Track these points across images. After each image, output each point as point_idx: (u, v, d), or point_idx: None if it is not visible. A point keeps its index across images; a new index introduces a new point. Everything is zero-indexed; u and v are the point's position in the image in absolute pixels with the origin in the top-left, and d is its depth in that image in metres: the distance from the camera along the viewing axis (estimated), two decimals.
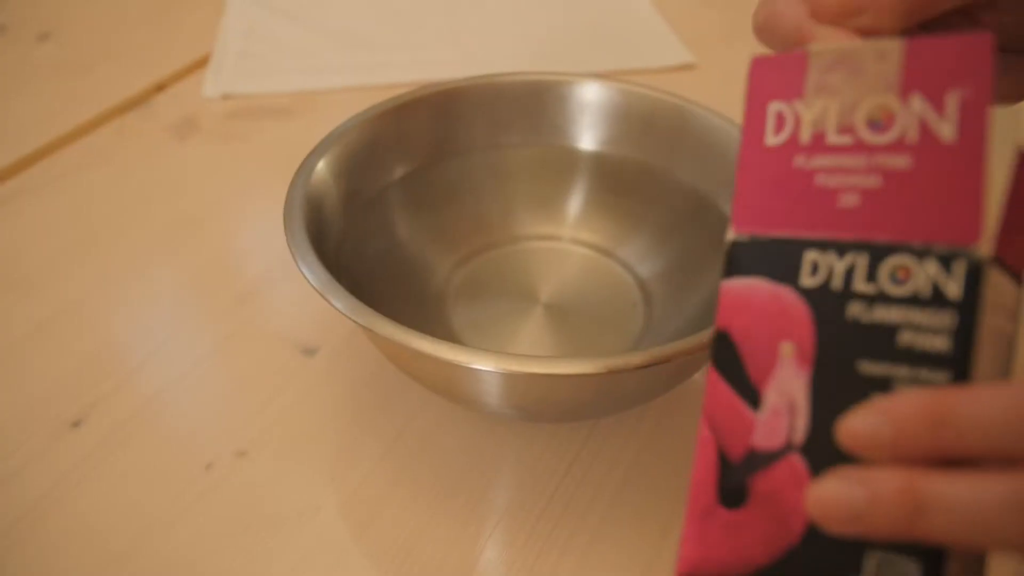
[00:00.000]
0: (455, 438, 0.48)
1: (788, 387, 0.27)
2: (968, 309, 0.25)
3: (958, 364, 0.24)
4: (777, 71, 0.29)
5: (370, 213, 0.53)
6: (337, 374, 0.52)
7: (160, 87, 0.82)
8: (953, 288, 0.25)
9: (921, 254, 0.25)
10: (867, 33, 0.29)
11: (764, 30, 0.31)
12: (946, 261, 0.25)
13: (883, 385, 0.25)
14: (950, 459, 0.23)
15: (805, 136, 0.28)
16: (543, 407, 0.45)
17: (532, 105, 0.58)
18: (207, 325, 0.56)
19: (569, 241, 0.58)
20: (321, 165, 0.49)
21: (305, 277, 0.42)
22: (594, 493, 0.46)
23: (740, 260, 0.29)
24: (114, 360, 0.53)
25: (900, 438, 0.23)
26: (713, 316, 0.30)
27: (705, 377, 0.30)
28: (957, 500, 0.22)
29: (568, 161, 0.58)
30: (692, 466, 0.29)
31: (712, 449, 0.29)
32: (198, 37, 0.90)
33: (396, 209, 0.55)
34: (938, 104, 0.25)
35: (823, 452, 0.26)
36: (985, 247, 0.24)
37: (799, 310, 0.28)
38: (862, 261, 0.27)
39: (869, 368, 0.26)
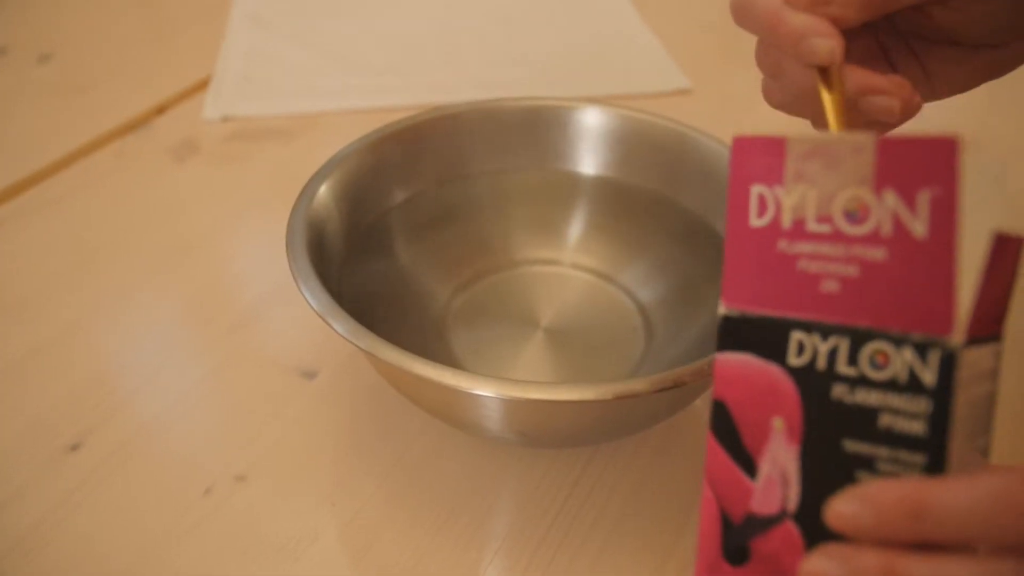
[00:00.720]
0: (455, 463, 0.48)
1: (780, 459, 0.29)
2: (942, 396, 0.26)
3: (934, 447, 0.26)
4: (758, 154, 0.30)
5: (371, 237, 0.53)
6: (337, 398, 0.52)
7: (160, 109, 0.82)
8: (928, 376, 0.26)
9: (899, 341, 0.27)
10: (834, 21, 0.32)
11: (740, 10, 0.33)
12: (921, 350, 0.26)
13: (867, 463, 0.27)
14: (927, 543, 0.24)
15: (787, 221, 0.29)
16: (543, 433, 0.45)
17: (533, 130, 0.58)
18: (206, 348, 0.56)
19: (569, 266, 0.58)
20: (323, 189, 0.50)
21: (307, 301, 0.42)
22: (595, 519, 0.45)
23: (731, 335, 0.31)
24: (112, 383, 0.53)
25: (881, 524, 0.25)
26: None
27: (706, 438, 0.31)
28: None
29: (569, 186, 0.58)
30: (699, 521, 0.31)
31: (715, 509, 0.31)
32: (198, 59, 0.90)
33: (397, 233, 0.55)
34: (910, 201, 0.26)
35: (815, 521, 0.28)
36: (957, 337, 0.26)
37: (787, 388, 0.29)
38: (844, 345, 0.28)
39: (853, 447, 0.27)
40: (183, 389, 0.53)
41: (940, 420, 0.26)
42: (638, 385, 0.38)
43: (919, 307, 0.26)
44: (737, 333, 0.31)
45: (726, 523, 0.31)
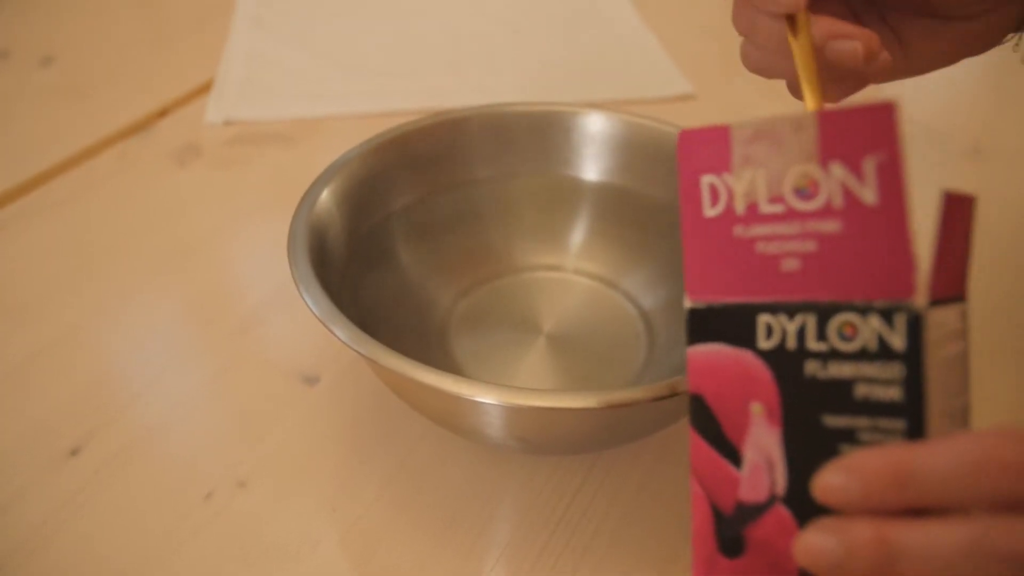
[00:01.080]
0: (457, 470, 0.48)
1: (763, 444, 0.29)
2: (914, 358, 0.26)
3: (912, 411, 0.26)
4: (703, 145, 0.30)
5: (373, 242, 0.53)
6: (338, 403, 0.52)
7: (162, 113, 0.82)
8: (897, 341, 0.26)
9: (864, 311, 0.27)
10: None
11: None
12: (887, 316, 0.26)
13: (848, 436, 0.27)
14: (917, 508, 0.24)
15: (740, 207, 0.29)
16: (545, 440, 0.44)
17: (536, 135, 0.58)
18: (207, 352, 0.55)
19: (572, 272, 0.58)
20: (325, 194, 0.49)
21: (309, 307, 0.42)
22: (597, 526, 0.45)
23: (699, 327, 0.31)
24: (113, 387, 0.53)
25: (868, 494, 0.25)
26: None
27: (689, 447, 0.31)
28: (924, 549, 0.24)
29: (572, 191, 0.58)
30: (691, 518, 0.31)
31: (705, 503, 0.31)
32: (201, 63, 0.90)
33: (399, 238, 0.55)
34: (857, 170, 0.27)
35: (804, 502, 0.28)
36: (921, 298, 0.26)
37: (761, 372, 0.29)
38: (811, 321, 0.28)
39: (833, 421, 0.28)
40: (184, 393, 0.52)
41: (915, 383, 0.26)
42: (639, 393, 0.37)
43: (879, 274, 0.27)
44: (705, 325, 0.31)
45: (718, 516, 0.31)
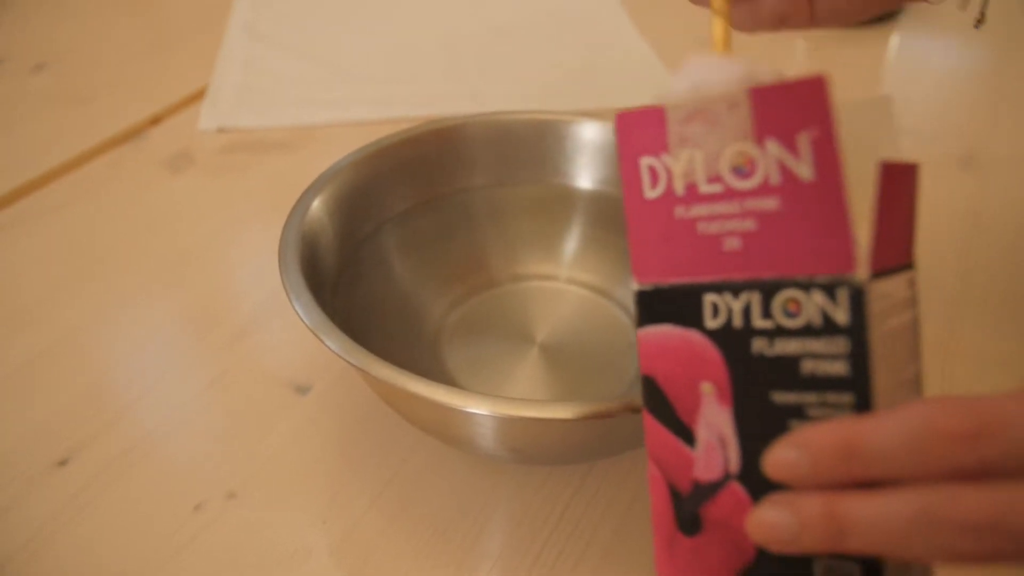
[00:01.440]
0: (449, 480, 0.48)
1: (715, 423, 0.29)
2: (858, 332, 0.26)
3: (858, 384, 0.26)
4: (640, 126, 0.30)
5: (366, 251, 0.53)
6: (330, 413, 0.52)
7: (155, 120, 0.82)
8: (841, 315, 0.26)
9: (807, 287, 0.27)
10: None
11: None
12: (830, 291, 0.27)
13: (797, 412, 0.27)
14: (865, 481, 0.25)
15: (679, 188, 0.29)
16: (537, 450, 0.44)
17: (530, 143, 0.58)
18: (199, 362, 0.55)
19: (566, 281, 0.58)
20: (316, 203, 0.49)
21: (299, 316, 0.41)
22: (590, 537, 0.45)
23: (647, 309, 0.31)
24: (103, 398, 0.52)
25: (817, 469, 0.25)
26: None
27: (643, 429, 0.32)
28: (872, 520, 0.24)
29: (565, 200, 0.58)
30: (650, 499, 0.32)
31: (663, 484, 0.31)
32: (195, 70, 0.90)
33: (392, 247, 0.54)
34: (791, 146, 0.27)
35: (758, 478, 0.28)
36: (862, 272, 0.26)
37: (709, 351, 0.29)
38: (756, 299, 0.28)
39: (781, 397, 0.28)
40: (175, 404, 0.52)
41: (860, 357, 0.26)
42: (633, 403, 0.37)
43: (820, 249, 0.27)
44: (652, 306, 0.31)
45: (675, 496, 0.31)
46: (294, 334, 0.56)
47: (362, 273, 0.52)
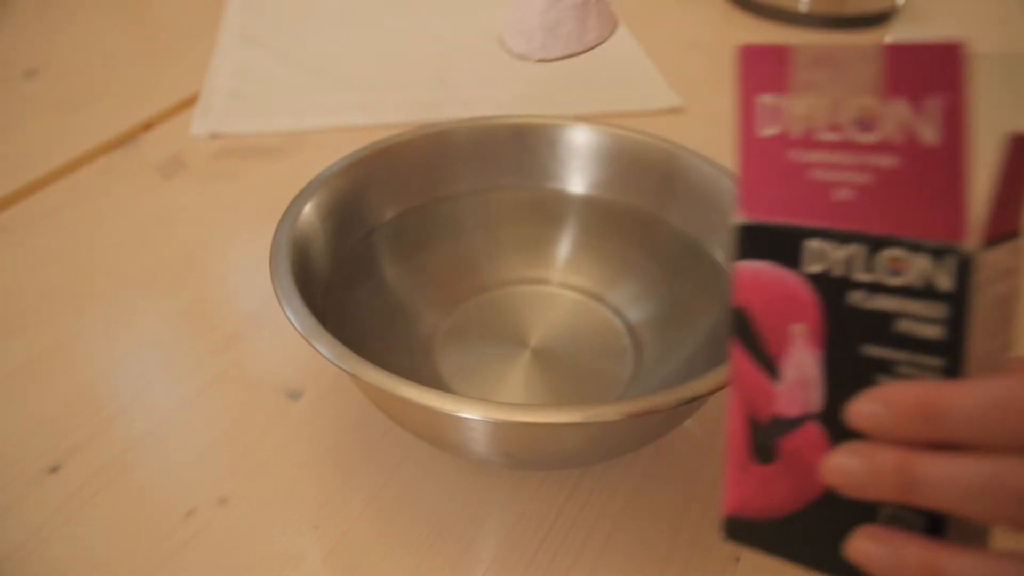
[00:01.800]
0: (442, 485, 0.48)
1: (802, 363, 0.30)
2: (959, 300, 0.26)
3: (951, 350, 0.27)
4: (764, 64, 0.30)
5: (357, 256, 0.52)
6: (322, 418, 0.51)
7: (147, 126, 0.81)
8: (944, 281, 0.27)
9: (914, 248, 0.27)
10: None
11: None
12: (937, 255, 0.27)
13: (886, 367, 0.28)
14: (942, 443, 0.26)
15: (796, 131, 0.29)
16: (530, 455, 0.44)
17: (522, 148, 0.57)
18: (191, 368, 0.55)
19: (558, 285, 0.58)
20: (308, 208, 0.49)
21: (290, 322, 0.41)
22: (583, 542, 0.45)
23: (748, 243, 0.31)
24: (95, 403, 0.52)
25: (898, 424, 0.27)
26: (703, 364, 0.34)
27: (729, 349, 0.32)
28: (942, 479, 0.26)
29: (558, 205, 0.58)
30: (728, 423, 0.33)
31: (742, 411, 0.32)
32: (187, 76, 0.90)
33: (384, 252, 0.54)
34: (919, 108, 0.26)
35: (836, 422, 0.29)
36: (973, 242, 0.26)
37: (805, 295, 0.30)
38: (860, 251, 0.28)
39: (872, 351, 0.28)
40: (167, 409, 0.52)
41: (957, 324, 0.27)
42: (626, 408, 0.37)
43: (932, 214, 0.27)
44: (754, 242, 0.31)
45: (753, 425, 0.32)
46: (286, 339, 0.56)
47: (354, 278, 0.52)
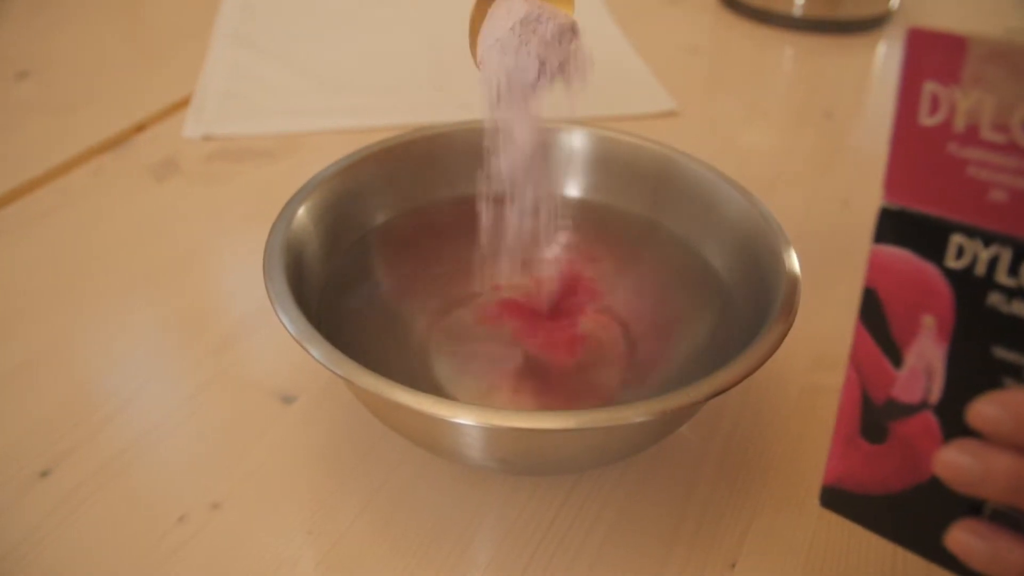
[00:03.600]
0: (437, 490, 0.47)
1: (927, 354, 0.30)
2: None
3: None
4: (935, 51, 0.29)
5: (352, 260, 0.52)
6: (316, 423, 0.51)
7: (140, 127, 0.81)
8: None
9: None
10: None
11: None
12: None
13: (1014, 372, 0.28)
14: None
15: (959, 125, 0.29)
16: (525, 460, 0.44)
17: None
18: (184, 372, 0.55)
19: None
20: (302, 211, 0.49)
21: (284, 325, 0.41)
22: (578, 548, 0.45)
23: (890, 228, 0.31)
24: (87, 407, 0.52)
25: (1019, 431, 0.27)
26: (699, 369, 0.34)
27: (854, 327, 0.32)
28: None
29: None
30: (840, 396, 0.33)
31: (857, 388, 0.33)
32: (180, 77, 0.90)
33: (378, 256, 0.54)
34: None
35: (954, 416, 0.29)
36: None
37: (942, 288, 0.30)
38: (1006, 255, 0.28)
39: (1002, 354, 0.28)
40: (159, 414, 0.51)
41: None
42: (620, 414, 0.37)
43: None
44: (896, 227, 0.31)
45: (867, 403, 0.32)
46: (279, 343, 0.56)
47: (348, 282, 0.51)
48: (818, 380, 0.54)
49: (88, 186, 0.73)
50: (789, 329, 0.42)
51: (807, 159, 0.80)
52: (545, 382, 0.52)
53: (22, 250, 0.65)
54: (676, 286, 0.53)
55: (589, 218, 0.57)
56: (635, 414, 0.37)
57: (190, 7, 1.07)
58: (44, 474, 0.47)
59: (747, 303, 0.49)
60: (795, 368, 0.55)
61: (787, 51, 1.04)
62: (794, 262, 0.46)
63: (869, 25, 1.06)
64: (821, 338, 0.54)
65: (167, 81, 0.89)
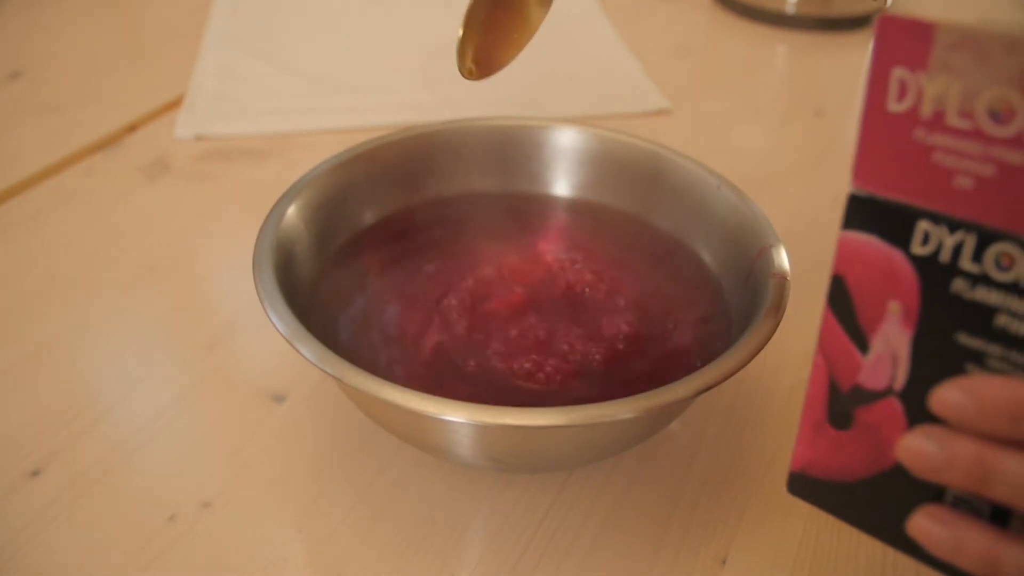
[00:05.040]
0: (427, 488, 0.47)
1: (893, 340, 0.30)
2: None
3: None
4: (903, 37, 0.29)
5: (342, 259, 0.52)
6: (307, 422, 0.51)
7: (132, 128, 0.81)
8: None
9: None
10: None
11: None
12: None
13: (977, 358, 0.28)
14: (1021, 442, 0.27)
15: (926, 111, 0.29)
16: (515, 457, 0.44)
17: (507, 150, 0.57)
18: (174, 371, 0.55)
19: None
20: (292, 210, 0.49)
21: (274, 324, 0.41)
22: (568, 545, 0.45)
23: (857, 214, 0.31)
24: (77, 407, 0.52)
25: (981, 417, 0.27)
26: (686, 368, 0.34)
27: (822, 314, 0.32)
28: (1019, 479, 0.26)
29: (544, 207, 0.58)
30: (808, 384, 0.33)
31: (825, 375, 0.33)
32: (172, 78, 0.90)
33: (368, 255, 0.54)
34: None
35: (918, 403, 0.30)
36: None
37: (908, 275, 0.30)
38: (970, 241, 0.28)
39: (966, 341, 0.29)
40: (150, 413, 0.51)
41: None
42: (609, 411, 0.37)
43: None
44: (864, 214, 0.31)
45: (833, 390, 0.33)
46: (270, 342, 0.56)
47: (339, 280, 0.51)
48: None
49: (80, 186, 0.73)
50: (777, 325, 0.43)
51: (798, 157, 0.80)
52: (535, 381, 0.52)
53: (12, 250, 0.65)
54: (668, 284, 0.53)
55: (580, 216, 0.57)
56: (622, 411, 0.37)
57: (182, 8, 1.07)
58: (34, 474, 0.47)
59: (737, 300, 0.49)
60: (786, 365, 0.55)
61: (779, 49, 1.04)
62: (784, 259, 0.46)
63: (862, 23, 1.06)
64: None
65: (159, 81, 0.89)
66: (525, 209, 0.58)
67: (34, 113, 0.84)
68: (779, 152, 0.82)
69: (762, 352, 0.41)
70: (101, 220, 0.69)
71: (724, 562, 0.44)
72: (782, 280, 0.45)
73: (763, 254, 0.47)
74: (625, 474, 0.48)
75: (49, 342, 0.56)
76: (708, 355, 0.42)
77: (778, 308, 0.43)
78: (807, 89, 0.95)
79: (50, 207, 0.70)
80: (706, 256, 0.53)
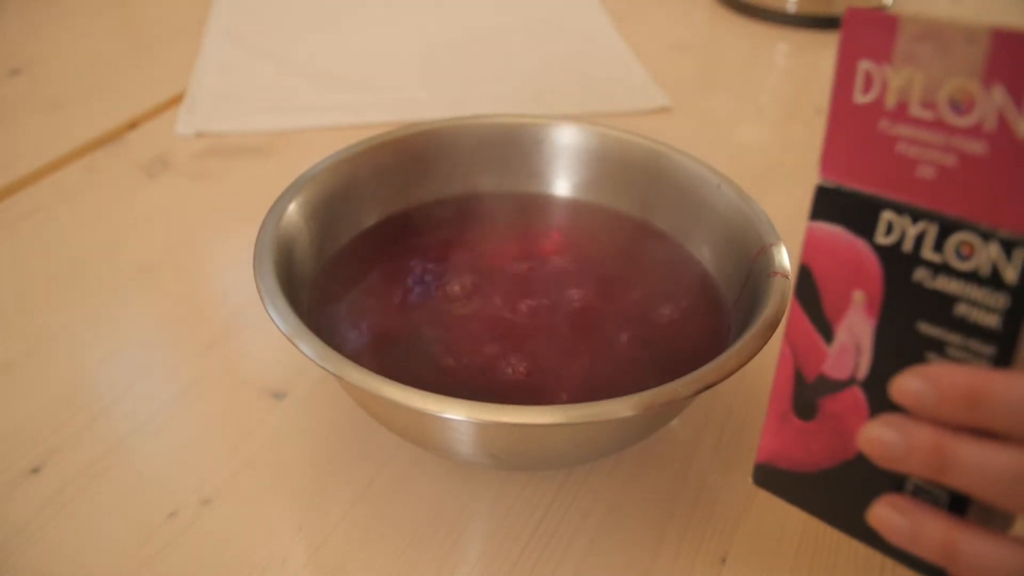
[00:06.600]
0: (427, 486, 0.47)
1: (856, 330, 0.31)
2: (1020, 294, 0.27)
3: (1004, 341, 0.28)
4: (869, 30, 0.30)
5: (342, 256, 0.52)
6: (307, 419, 0.51)
7: (132, 124, 0.81)
8: (1010, 273, 0.27)
9: (986, 236, 0.28)
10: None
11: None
12: (1007, 247, 0.27)
13: (937, 346, 0.29)
14: (979, 429, 0.27)
15: (890, 102, 0.29)
16: (515, 455, 0.44)
17: (508, 148, 0.57)
18: (175, 368, 0.55)
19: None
20: (292, 207, 0.49)
21: (274, 322, 0.41)
22: (568, 543, 0.45)
23: (824, 205, 0.32)
24: (77, 403, 0.52)
25: (940, 404, 0.27)
26: (682, 368, 0.34)
27: (788, 311, 0.33)
28: (976, 464, 0.26)
29: (544, 206, 0.58)
30: (775, 374, 0.34)
31: (791, 366, 0.33)
32: (172, 74, 0.90)
33: (368, 252, 0.54)
34: (1018, 99, 0.26)
35: (880, 392, 0.30)
36: None
37: (871, 264, 0.30)
38: (932, 231, 0.29)
39: (926, 329, 0.29)
40: (150, 410, 0.51)
41: (1015, 316, 0.27)
42: (608, 409, 0.37)
43: (1011, 205, 0.27)
44: (830, 204, 0.31)
45: (799, 380, 0.33)
46: (270, 339, 0.56)
47: (339, 278, 0.51)
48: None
49: (80, 183, 0.73)
50: (778, 324, 0.43)
51: (798, 155, 0.80)
52: (536, 379, 0.52)
53: (13, 247, 0.65)
54: (667, 284, 0.53)
55: (581, 216, 0.57)
56: (623, 409, 0.37)
57: (182, 5, 1.07)
58: (35, 470, 0.47)
59: (737, 298, 0.49)
60: None
61: (780, 47, 1.04)
62: (784, 257, 0.46)
63: None
64: None
65: (159, 78, 0.89)
66: (525, 206, 0.58)
67: (35, 110, 0.84)
68: (779, 150, 0.81)
69: (762, 351, 0.41)
70: (101, 217, 0.69)
71: (724, 560, 0.44)
72: (782, 278, 0.45)
73: (763, 252, 0.47)
74: (626, 472, 0.48)
75: (50, 338, 0.56)
76: (708, 354, 0.42)
77: (778, 307, 0.43)
78: (808, 87, 0.95)
79: (51, 204, 0.70)
80: (706, 254, 0.53)
